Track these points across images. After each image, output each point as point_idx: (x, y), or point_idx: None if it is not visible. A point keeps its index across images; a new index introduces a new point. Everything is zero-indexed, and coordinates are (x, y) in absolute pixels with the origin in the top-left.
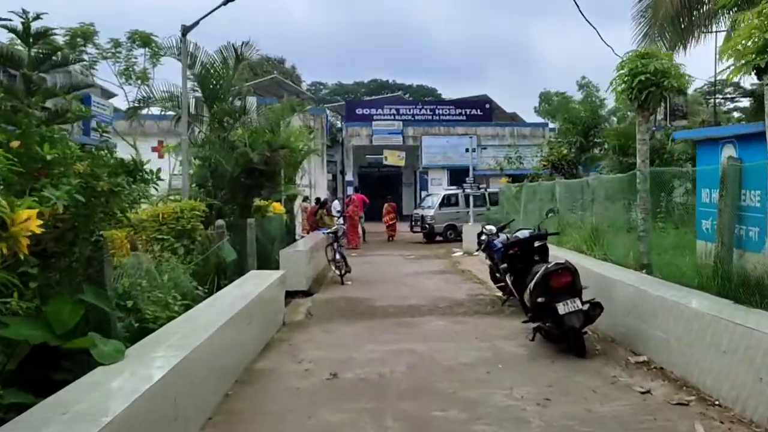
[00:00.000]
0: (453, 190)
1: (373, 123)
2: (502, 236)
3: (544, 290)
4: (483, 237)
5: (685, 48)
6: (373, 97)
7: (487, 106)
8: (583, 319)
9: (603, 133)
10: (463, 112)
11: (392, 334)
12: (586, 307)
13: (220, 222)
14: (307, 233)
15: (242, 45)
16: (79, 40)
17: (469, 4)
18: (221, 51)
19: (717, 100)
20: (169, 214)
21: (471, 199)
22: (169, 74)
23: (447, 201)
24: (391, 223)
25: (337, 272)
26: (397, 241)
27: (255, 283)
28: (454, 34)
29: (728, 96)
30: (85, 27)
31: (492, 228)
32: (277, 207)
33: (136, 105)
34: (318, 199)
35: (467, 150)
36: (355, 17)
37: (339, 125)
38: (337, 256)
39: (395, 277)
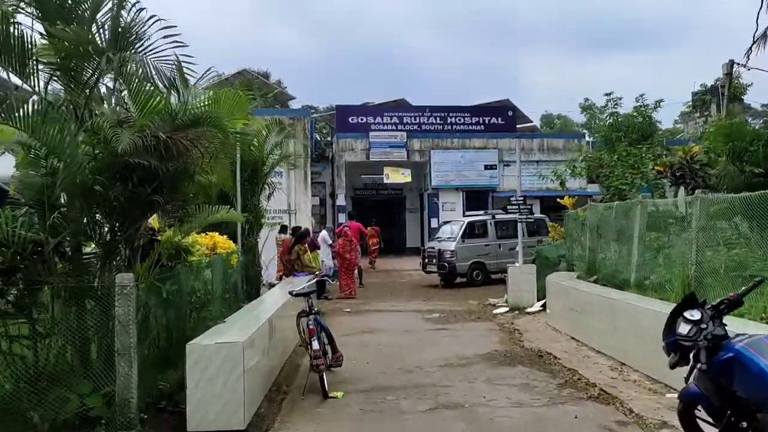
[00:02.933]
0: (480, 215)
1: (371, 134)
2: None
3: None
4: (687, 330)
5: None
6: (370, 103)
7: (510, 113)
8: None
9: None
10: (481, 121)
11: None
12: None
13: None
14: (282, 278)
15: None
16: None
17: (457, 34)
18: None
19: None
20: None
21: (521, 227)
22: None
23: (471, 231)
24: (375, 247)
25: (317, 372)
26: (405, 285)
27: None
28: (445, 60)
29: None
30: None
31: (698, 315)
32: (219, 243)
33: None
34: (294, 229)
35: (487, 167)
36: (345, 44)
37: (328, 138)
38: (315, 345)
39: (424, 378)
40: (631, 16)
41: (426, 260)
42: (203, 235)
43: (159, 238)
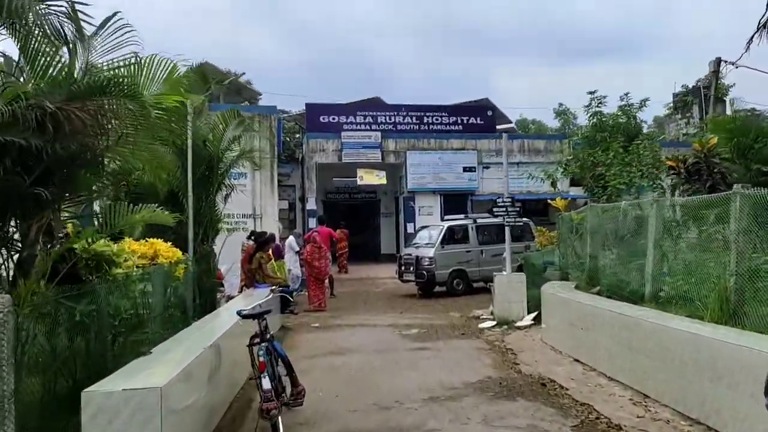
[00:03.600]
0: (460, 219)
1: (343, 134)
2: None
3: None
4: None
5: None
6: (340, 101)
7: (489, 113)
8: None
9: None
10: (459, 120)
11: None
12: None
13: None
14: (243, 289)
15: None
16: None
17: (430, 42)
18: None
19: None
20: None
21: (508, 231)
22: None
23: (451, 236)
24: (344, 251)
25: (267, 419)
26: (380, 294)
27: None
28: (418, 69)
29: None
30: None
31: None
32: (162, 252)
33: None
34: (256, 235)
35: (466, 169)
36: (318, 53)
37: (298, 137)
38: (266, 384)
39: (405, 417)
40: (600, 27)
41: (402, 268)
42: (142, 242)
43: (75, 247)
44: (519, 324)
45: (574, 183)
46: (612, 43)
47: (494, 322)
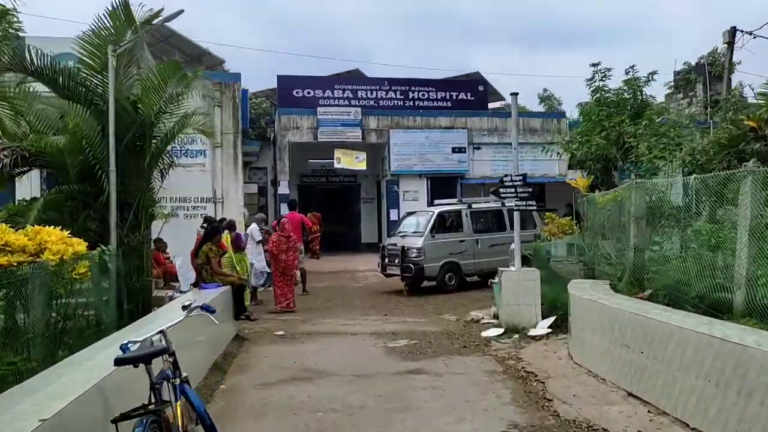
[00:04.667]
0: (452, 204)
1: (319, 110)
2: None
3: None
4: None
5: None
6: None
7: (481, 88)
8: None
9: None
10: (448, 96)
11: None
12: None
13: None
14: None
15: None
16: None
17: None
18: None
19: None
20: None
21: (518, 217)
22: None
23: (442, 223)
24: (316, 235)
25: None
26: (360, 291)
27: None
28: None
29: None
30: None
31: None
32: (51, 244)
33: None
34: (207, 221)
35: (455, 150)
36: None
37: (269, 117)
38: None
39: None
40: (578, 17)
41: (386, 260)
42: (25, 230)
43: None
44: (533, 333)
45: (571, 166)
46: (590, 32)
47: (501, 330)
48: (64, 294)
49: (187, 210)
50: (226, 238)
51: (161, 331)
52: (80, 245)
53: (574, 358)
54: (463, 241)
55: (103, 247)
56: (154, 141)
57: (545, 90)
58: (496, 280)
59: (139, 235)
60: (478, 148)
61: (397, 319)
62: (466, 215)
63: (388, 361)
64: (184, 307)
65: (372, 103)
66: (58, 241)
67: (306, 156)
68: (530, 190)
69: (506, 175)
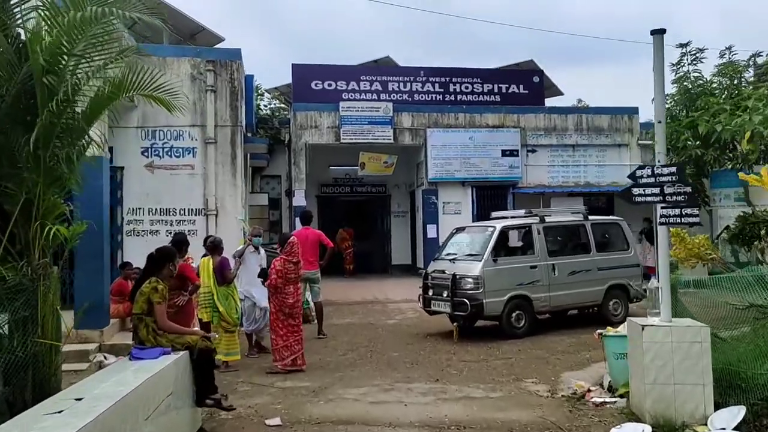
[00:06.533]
0: (519, 217)
1: (342, 105)
2: None
3: None
4: None
5: None
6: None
7: (536, 79)
8: None
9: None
10: (497, 89)
11: None
12: None
13: None
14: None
15: None
16: None
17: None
18: None
19: None
20: None
21: (665, 233)
22: None
23: (505, 243)
24: (349, 251)
25: None
26: (394, 334)
27: None
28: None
29: None
30: None
31: None
32: None
33: None
34: (176, 238)
35: (505, 153)
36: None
37: (285, 114)
38: None
39: None
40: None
41: (431, 292)
42: None
43: None
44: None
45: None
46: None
47: (642, 427)
48: None
49: (171, 225)
50: (205, 264)
51: None
52: None
53: None
54: (534, 267)
55: None
56: (61, 106)
57: (579, 101)
58: (610, 332)
59: (28, 265)
60: (533, 151)
61: (456, 390)
62: (539, 232)
63: None
64: None
65: (405, 97)
66: None
67: (327, 161)
68: (688, 190)
69: (643, 166)
